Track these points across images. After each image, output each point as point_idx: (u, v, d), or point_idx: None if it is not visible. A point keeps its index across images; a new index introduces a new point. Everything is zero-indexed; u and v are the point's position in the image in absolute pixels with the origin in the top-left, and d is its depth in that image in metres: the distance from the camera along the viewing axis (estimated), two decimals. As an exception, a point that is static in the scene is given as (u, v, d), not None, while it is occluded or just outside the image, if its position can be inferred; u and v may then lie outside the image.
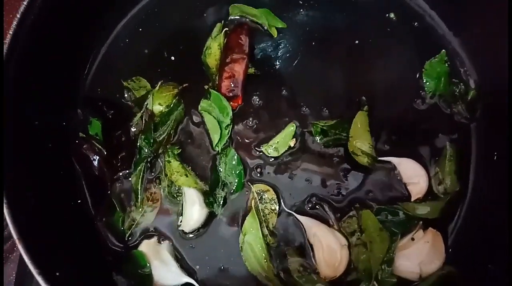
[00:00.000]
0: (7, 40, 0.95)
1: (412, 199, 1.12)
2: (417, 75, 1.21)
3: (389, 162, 1.14)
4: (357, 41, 1.24)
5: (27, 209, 0.96)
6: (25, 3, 0.97)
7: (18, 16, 0.97)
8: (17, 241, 0.88)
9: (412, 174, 1.13)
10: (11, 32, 0.96)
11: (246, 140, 1.17)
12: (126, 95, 1.20)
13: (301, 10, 1.27)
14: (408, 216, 1.10)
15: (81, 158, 1.13)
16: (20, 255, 0.94)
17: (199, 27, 1.25)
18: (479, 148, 1.17)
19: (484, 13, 1.14)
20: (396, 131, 1.17)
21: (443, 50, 1.21)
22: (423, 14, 1.26)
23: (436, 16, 1.26)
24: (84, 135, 1.14)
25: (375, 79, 1.21)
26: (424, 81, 1.20)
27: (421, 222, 1.10)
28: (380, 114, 1.18)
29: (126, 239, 1.11)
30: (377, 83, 1.21)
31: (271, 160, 1.16)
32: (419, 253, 1.07)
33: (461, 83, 1.20)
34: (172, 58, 1.24)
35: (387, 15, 1.26)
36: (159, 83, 1.19)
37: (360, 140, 1.13)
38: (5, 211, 0.89)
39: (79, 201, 1.14)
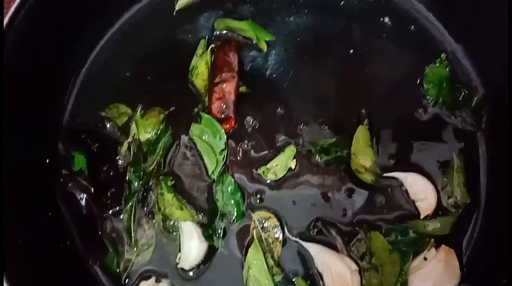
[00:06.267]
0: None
1: (422, 216, 1.14)
2: (418, 82, 1.23)
3: (394, 178, 1.17)
4: (352, 50, 1.26)
5: (15, 255, 0.97)
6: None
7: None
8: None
9: (420, 189, 1.16)
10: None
11: (243, 165, 1.18)
12: (108, 125, 1.21)
13: (290, 19, 1.29)
14: (419, 234, 1.13)
15: (67, 197, 1.14)
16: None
17: (182, 45, 1.27)
18: (488, 157, 1.19)
19: (483, 12, 1.16)
20: (399, 145, 1.20)
21: (443, 53, 1.25)
22: (419, 16, 1.29)
23: (433, 17, 1.29)
24: (67, 172, 1.15)
25: (374, 89, 1.24)
26: (425, 88, 1.23)
27: (433, 240, 1.13)
28: (381, 127, 1.20)
29: (123, 282, 1.13)
30: (376, 94, 1.23)
31: (270, 184, 1.17)
32: (433, 273, 1.10)
33: (464, 88, 1.22)
34: (156, 80, 1.25)
35: (381, 19, 1.29)
36: (139, 107, 1.21)
37: (363, 157, 1.16)
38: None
39: (68, 243, 1.15)
